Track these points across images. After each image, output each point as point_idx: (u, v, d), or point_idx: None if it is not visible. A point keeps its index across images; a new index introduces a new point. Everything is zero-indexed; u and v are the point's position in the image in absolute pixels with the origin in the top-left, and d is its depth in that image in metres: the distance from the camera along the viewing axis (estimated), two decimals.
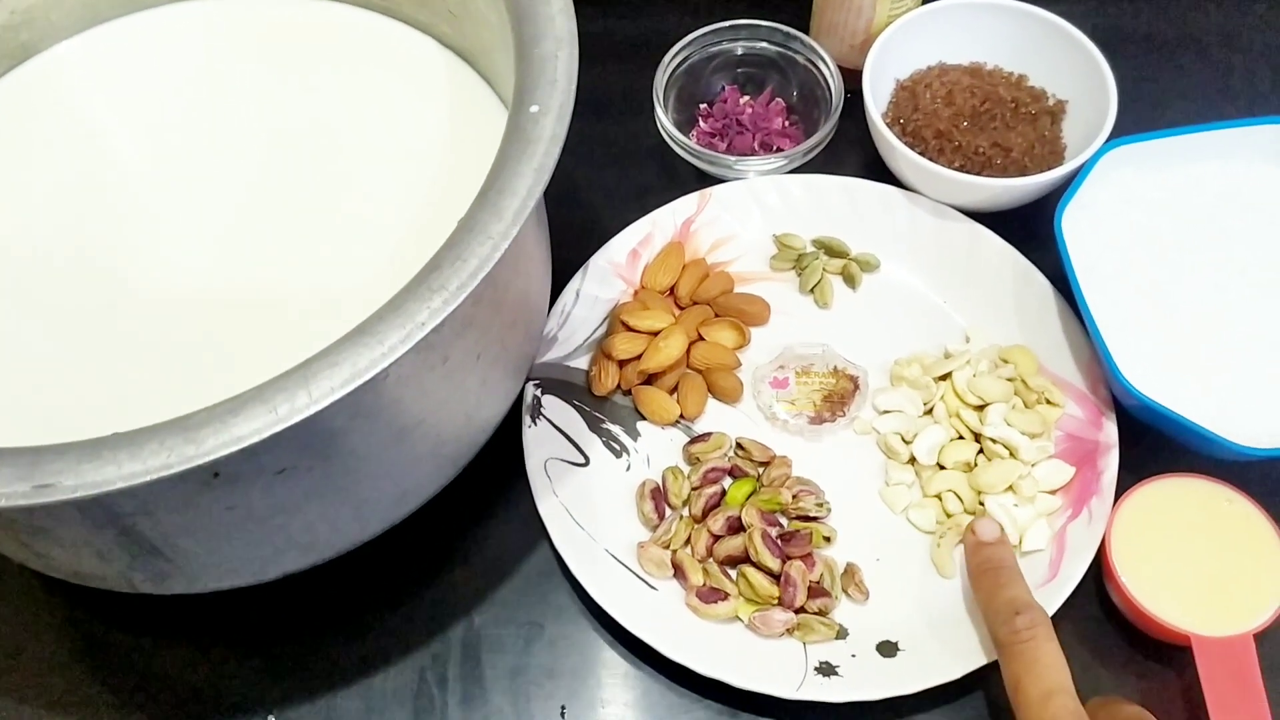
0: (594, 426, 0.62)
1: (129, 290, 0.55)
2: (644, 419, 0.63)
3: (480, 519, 0.61)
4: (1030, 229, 0.65)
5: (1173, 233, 0.63)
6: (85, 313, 0.55)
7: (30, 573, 0.59)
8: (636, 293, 0.66)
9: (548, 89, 0.47)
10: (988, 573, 0.55)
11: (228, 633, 0.58)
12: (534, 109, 0.46)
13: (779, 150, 0.70)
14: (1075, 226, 0.62)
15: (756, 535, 0.57)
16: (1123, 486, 0.57)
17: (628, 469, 0.61)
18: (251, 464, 0.44)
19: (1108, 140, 0.63)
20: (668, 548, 0.58)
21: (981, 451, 0.60)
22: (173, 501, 0.44)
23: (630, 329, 0.63)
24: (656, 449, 0.62)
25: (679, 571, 0.57)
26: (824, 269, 0.67)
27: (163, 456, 0.38)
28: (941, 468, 0.60)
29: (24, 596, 0.60)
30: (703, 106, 0.74)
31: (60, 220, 0.58)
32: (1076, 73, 0.68)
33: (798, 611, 0.56)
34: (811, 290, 0.67)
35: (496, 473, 0.60)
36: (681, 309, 0.66)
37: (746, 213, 0.68)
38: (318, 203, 0.58)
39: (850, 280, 0.67)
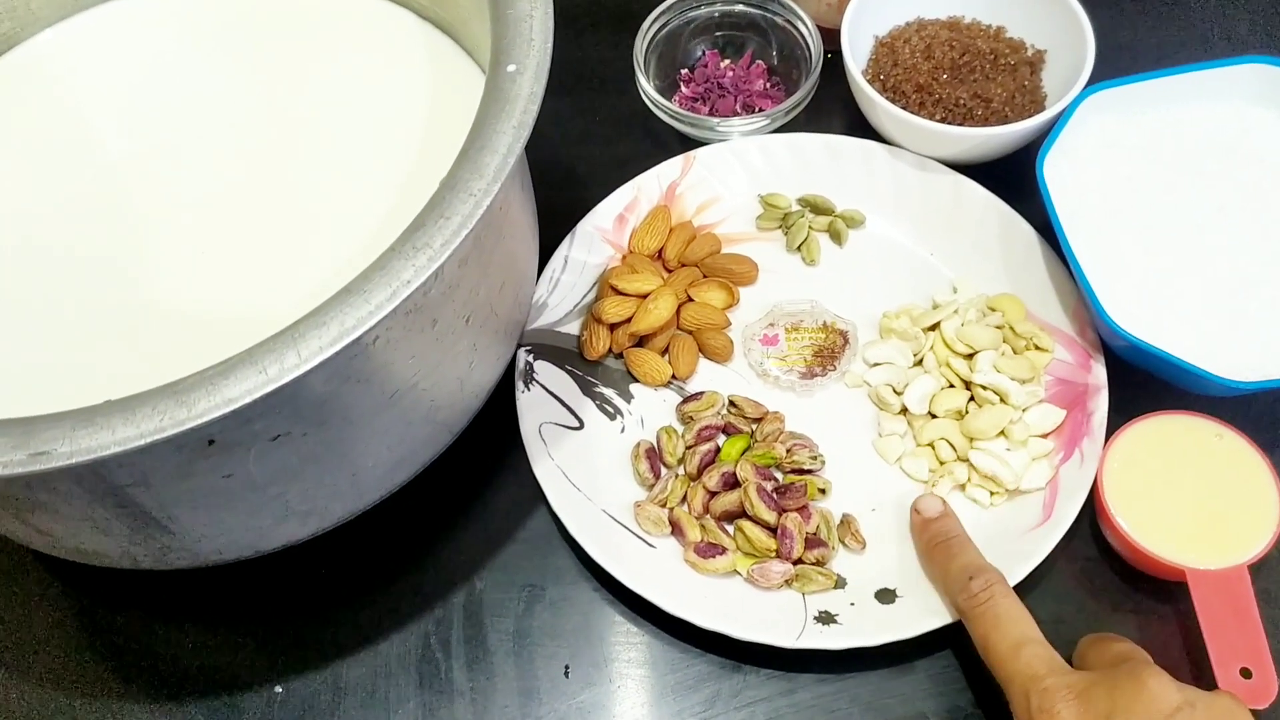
0: (587, 390, 0.63)
1: (119, 270, 0.56)
2: (636, 381, 0.63)
3: (478, 485, 0.61)
4: (1013, 178, 0.65)
5: (1153, 175, 0.63)
6: (77, 294, 0.55)
7: (32, 553, 0.59)
8: (624, 257, 0.66)
9: (524, 48, 0.47)
10: (938, 546, 0.55)
11: (232, 609, 0.59)
12: (511, 68, 0.46)
13: (760, 111, 0.71)
14: (1057, 173, 0.62)
15: (752, 489, 0.57)
16: (1113, 427, 0.58)
17: (622, 431, 0.62)
18: (246, 430, 0.44)
19: (1086, 86, 0.63)
20: (665, 506, 0.59)
21: (972, 399, 0.61)
22: (170, 471, 0.45)
23: (619, 292, 0.64)
24: (650, 410, 0.62)
25: (676, 528, 0.58)
26: (810, 227, 0.67)
27: (155, 420, 0.39)
28: (933, 416, 0.61)
29: (26, 578, 0.60)
30: (684, 72, 0.74)
31: (47, 204, 0.58)
32: (1054, 22, 0.68)
33: (795, 563, 0.57)
34: (798, 248, 0.67)
35: (493, 439, 0.60)
36: (670, 271, 0.66)
37: (731, 174, 0.68)
38: (303, 176, 0.58)
39: (836, 237, 0.67)
